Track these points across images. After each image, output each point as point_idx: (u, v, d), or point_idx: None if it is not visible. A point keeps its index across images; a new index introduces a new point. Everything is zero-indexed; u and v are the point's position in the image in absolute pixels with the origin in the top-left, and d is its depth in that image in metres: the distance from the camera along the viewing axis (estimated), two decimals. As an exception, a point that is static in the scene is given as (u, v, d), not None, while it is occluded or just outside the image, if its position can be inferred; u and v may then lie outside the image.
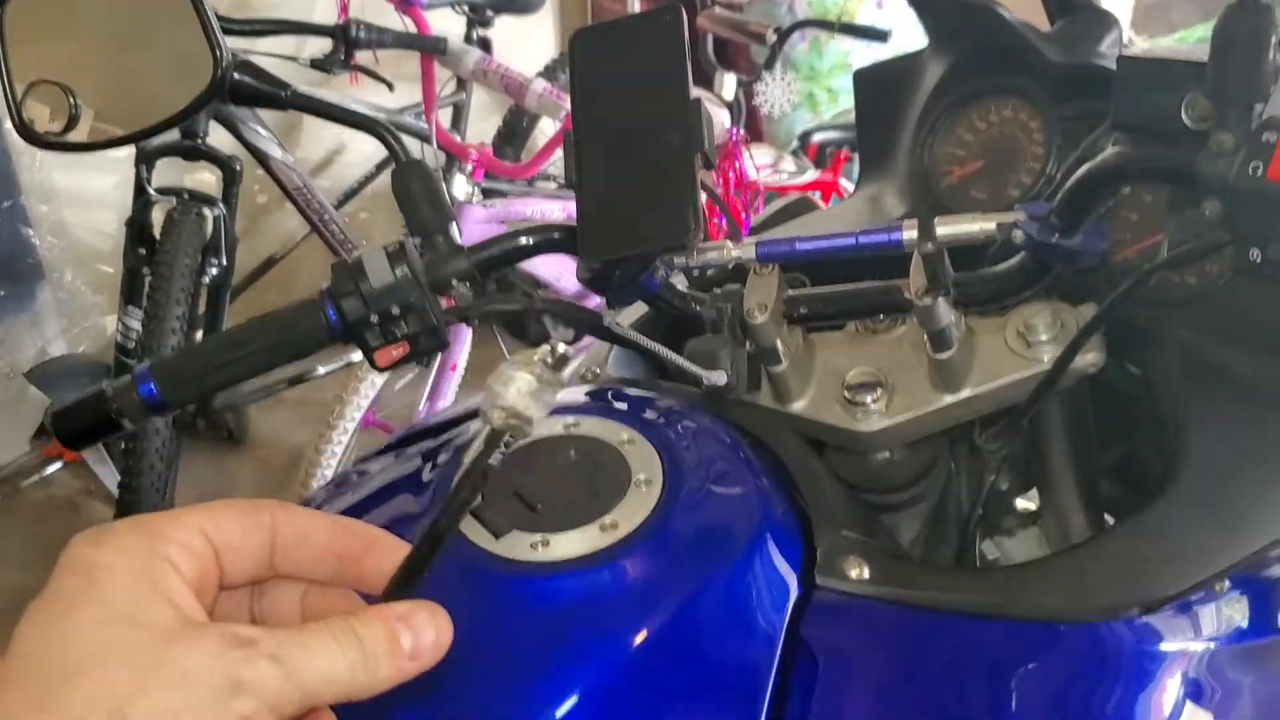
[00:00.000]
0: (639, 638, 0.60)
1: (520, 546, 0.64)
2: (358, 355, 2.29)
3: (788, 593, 0.66)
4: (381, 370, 0.76)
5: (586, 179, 0.75)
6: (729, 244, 0.78)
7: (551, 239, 0.81)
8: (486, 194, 2.52)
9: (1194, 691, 0.65)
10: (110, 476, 2.54)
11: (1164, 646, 0.66)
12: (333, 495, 0.77)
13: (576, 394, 0.80)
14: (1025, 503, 0.98)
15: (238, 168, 2.26)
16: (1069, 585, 0.67)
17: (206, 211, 2.20)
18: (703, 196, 0.73)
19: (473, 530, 0.65)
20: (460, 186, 2.36)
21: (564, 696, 0.58)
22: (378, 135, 1.89)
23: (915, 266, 0.74)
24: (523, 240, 0.81)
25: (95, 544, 0.41)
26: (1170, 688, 0.65)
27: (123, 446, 2.11)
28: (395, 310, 0.73)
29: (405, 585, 0.46)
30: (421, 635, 0.44)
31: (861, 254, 0.77)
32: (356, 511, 0.72)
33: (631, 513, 0.65)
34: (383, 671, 0.42)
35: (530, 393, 0.51)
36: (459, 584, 0.63)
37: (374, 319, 0.73)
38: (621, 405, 0.77)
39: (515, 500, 0.67)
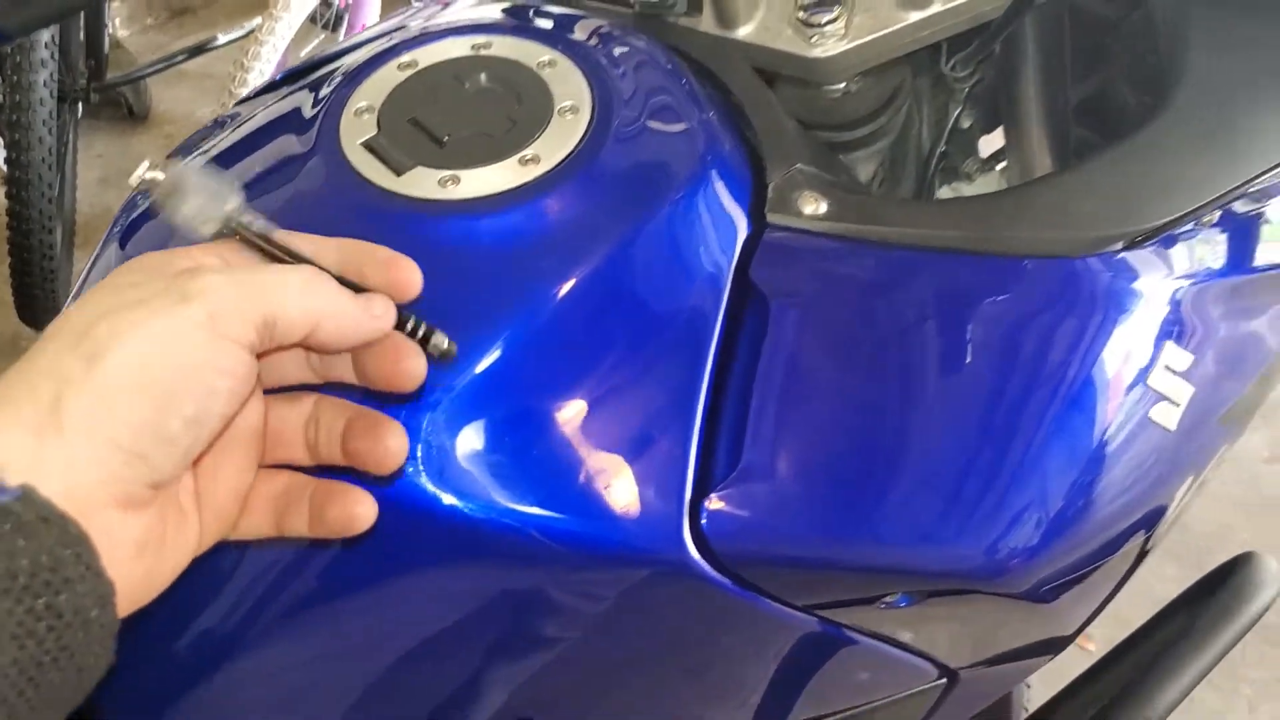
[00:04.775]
0: (568, 283, 0.53)
1: (426, 184, 0.55)
2: (258, 20, 2.09)
3: (735, 233, 0.58)
4: None
5: None
6: None
7: None
8: None
9: (1174, 331, 0.60)
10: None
11: (1145, 283, 0.60)
12: (211, 134, 0.66)
13: (485, 12, 0.68)
14: (987, 145, 0.91)
15: None
16: (1048, 216, 0.60)
17: None
18: None
19: (369, 167, 0.56)
20: None
21: (482, 351, 0.51)
22: None
23: None
24: None
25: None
26: (1149, 326, 0.60)
27: (6, 119, 1.93)
28: None
29: None
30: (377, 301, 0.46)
31: None
32: (240, 150, 0.62)
33: (555, 145, 0.56)
34: (335, 302, 0.45)
35: None
36: (355, 228, 0.55)
37: None
38: (541, 23, 0.66)
39: (418, 132, 0.57)
